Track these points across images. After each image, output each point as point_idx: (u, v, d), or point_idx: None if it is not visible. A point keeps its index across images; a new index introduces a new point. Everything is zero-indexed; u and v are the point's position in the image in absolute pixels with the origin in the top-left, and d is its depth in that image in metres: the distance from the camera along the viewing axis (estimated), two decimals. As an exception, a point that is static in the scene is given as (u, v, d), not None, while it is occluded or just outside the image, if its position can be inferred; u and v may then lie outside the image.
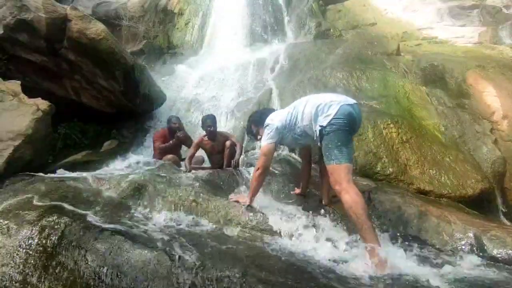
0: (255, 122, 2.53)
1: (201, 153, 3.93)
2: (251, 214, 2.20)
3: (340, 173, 1.83)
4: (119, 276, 1.50)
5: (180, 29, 8.56)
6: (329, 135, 1.90)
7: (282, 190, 2.80)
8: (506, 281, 1.55)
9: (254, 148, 4.21)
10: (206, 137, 3.66)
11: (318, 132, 1.96)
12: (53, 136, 4.33)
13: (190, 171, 3.17)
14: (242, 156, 3.64)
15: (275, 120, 2.24)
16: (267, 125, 2.26)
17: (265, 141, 2.22)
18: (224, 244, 1.82)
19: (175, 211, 2.27)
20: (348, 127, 1.92)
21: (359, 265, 1.63)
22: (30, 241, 1.63)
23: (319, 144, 2.00)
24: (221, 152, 3.65)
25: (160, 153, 4.15)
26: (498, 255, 1.86)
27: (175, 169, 3.45)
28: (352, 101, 2.01)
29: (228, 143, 3.56)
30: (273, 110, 2.67)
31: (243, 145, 4.09)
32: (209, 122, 3.58)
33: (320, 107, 1.98)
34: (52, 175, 2.83)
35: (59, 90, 4.81)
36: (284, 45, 7.03)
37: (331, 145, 1.88)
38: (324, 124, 1.92)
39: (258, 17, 7.97)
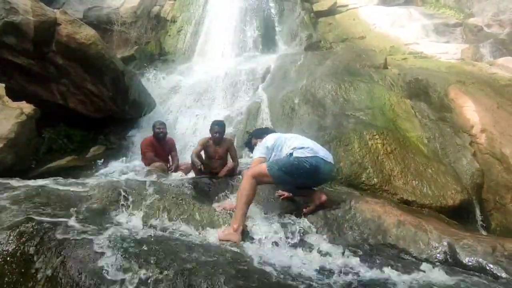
0: (256, 135, 2.94)
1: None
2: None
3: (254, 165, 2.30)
4: (97, 284, 1.48)
5: (172, 36, 8.61)
6: (285, 159, 2.24)
7: (269, 198, 2.82)
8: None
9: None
10: (211, 140, 3.61)
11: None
12: (37, 140, 4.25)
13: (201, 165, 3.22)
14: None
15: (269, 139, 2.61)
16: (262, 141, 2.65)
17: (257, 154, 2.59)
18: (207, 251, 1.82)
19: (160, 218, 2.25)
20: (306, 172, 2.22)
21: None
22: (7, 247, 1.59)
23: None
24: (221, 159, 3.59)
25: (148, 160, 4.13)
26: (469, 263, 1.95)
27: (162, 176, 3.44)
28: (329, 159, 2.36)
29: (232, 164, 3.52)
30: (274, 131, 3.03)
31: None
32: (216, 128, 3.52)
33: (298, 147, 2.35)
34: (36, 180, 2.77)
35: (45, 94, 4.74)
36: (275, 55, 7.14)
37: (279, 161, 2.23)
38: (294, 155, 2.27)
39: (251, 26, 8.10)
